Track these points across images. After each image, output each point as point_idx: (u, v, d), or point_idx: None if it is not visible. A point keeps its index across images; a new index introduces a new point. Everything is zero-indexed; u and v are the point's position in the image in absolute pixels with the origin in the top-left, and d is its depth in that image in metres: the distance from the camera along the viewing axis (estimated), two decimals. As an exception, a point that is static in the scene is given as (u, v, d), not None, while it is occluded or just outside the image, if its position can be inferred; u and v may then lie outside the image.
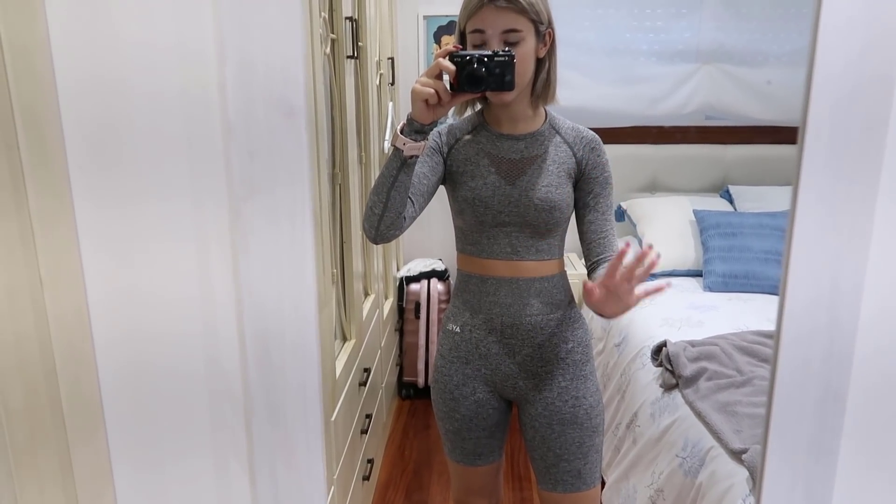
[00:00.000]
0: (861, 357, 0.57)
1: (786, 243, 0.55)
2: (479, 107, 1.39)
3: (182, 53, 0.52)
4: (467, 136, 1.36)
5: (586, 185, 1.35)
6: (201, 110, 0.53)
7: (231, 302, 0.56)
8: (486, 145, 1.34)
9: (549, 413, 1.37)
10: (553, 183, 1.31)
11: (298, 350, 0.57)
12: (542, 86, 1.30)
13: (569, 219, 1.38)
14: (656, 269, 2.77)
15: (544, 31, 1.26)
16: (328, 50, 1.71)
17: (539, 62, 1.28)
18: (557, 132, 1.35)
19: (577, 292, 1.47)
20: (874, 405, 0.59)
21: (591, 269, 1.39)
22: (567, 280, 1.41)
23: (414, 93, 1.15)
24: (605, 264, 1.32)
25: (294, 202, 0.55)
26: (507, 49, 1.16)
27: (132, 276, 0.56)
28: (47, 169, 0.53)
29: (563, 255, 1.40)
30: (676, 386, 1.90)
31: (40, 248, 0.52)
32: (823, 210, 0.54)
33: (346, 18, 1.85)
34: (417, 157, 1.21)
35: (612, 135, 3.03)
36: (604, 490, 2.11)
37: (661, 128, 3.18)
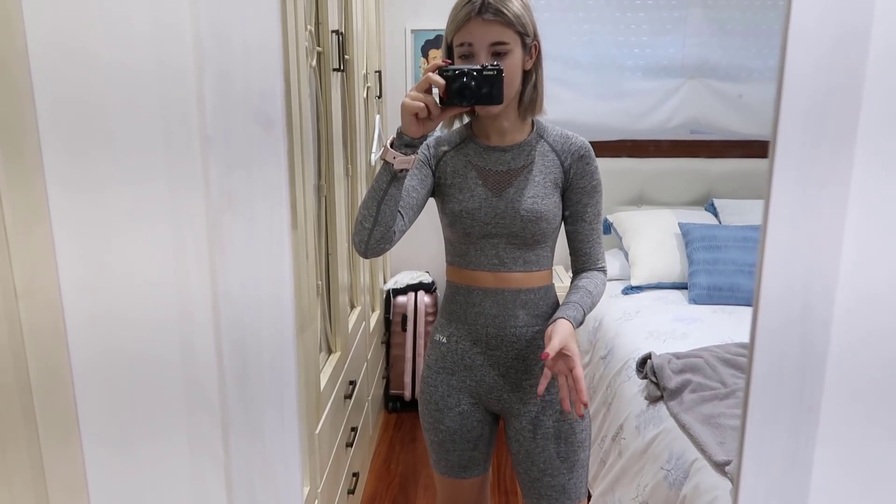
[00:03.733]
0: (833, 367, 0.58)
1: (759, 250, 0.56)
2: (466, 120, 1.40)
3: (160, 65, 0.53)
4: (451, 151, 1.37)
5: (573, 194, 1.36)
6: (179, 123, 0.54)
7: (209, 317, 0.56)
8: (474, 158, 1.35)
9: (533, 427, 1.37)
10: (539, 194, 1.31)
11: (276, 362, 0.57)
12: (530, 97, 1.31)
13: (557, 229, 1.38)
14: (643, 283, 2.80)
15: (530, 44, 1.27)
16: (314, 63, 1.71)
17: (526, 74, 1.29)
18: (545, 141, 1.35)
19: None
20: (848, 414, 0.60)
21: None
22: (554, 293, 1.41)
23: (403, 107, 1.16)
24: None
25: (272, 214, 0.55)
26: (495, 63, 1.18)
27: (106, 287, 0.56)
28: (20, 157, 0.53)
29: (551, 266, 1.40)
30: (661, 398, 1.90)
31: (11, 237, 0.52)
32: (795, 216, 0.55)
33: (333, 31, 1.86)
34: (407, 170, 1.21)
35: (598, 148, 3.01)
36: (590, 503, 2.11)
37: (646, 142, 3.21)
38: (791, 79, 0.52)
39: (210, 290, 0.55)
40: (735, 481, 0.62)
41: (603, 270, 1.40)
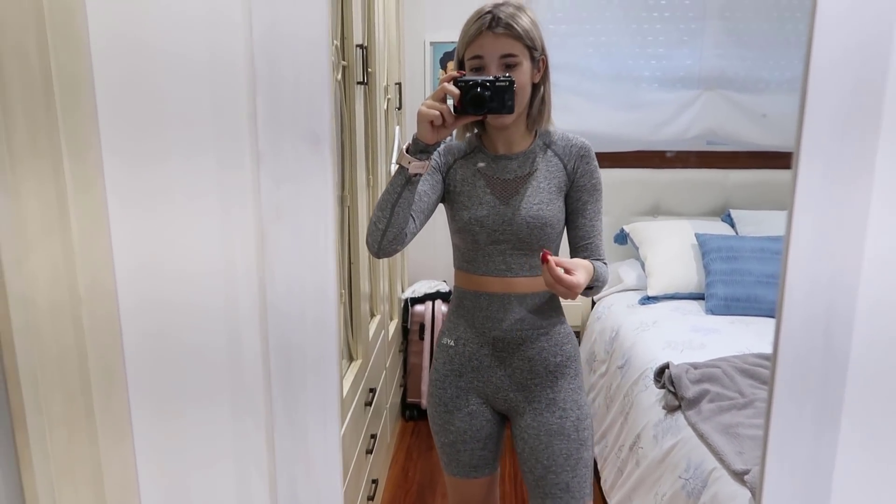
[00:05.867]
0: (855, 374, 0.60)
1: (783, 258, 0.58)
2: (477, 131, 1.44)
3: (213, 79, 0.56)
4: (461, 159, 1.42)
5: (575, 192, 1.41)
6: (232, 138, 0.57)
7: (257, 327, 0.59)
8: (483, 167, 1.39)
9: (537, 424, 1.41)
10: (544, 200, 1.37)
11: (319, 367, 0.60)
12: (538, 110, 1.37)
13: (561, 234, 1.43)
14: (660, 293, 2.81)
15: (539, 58, 1.33)
16: (339, 76, 1.75)
17: (534, 88, 1.35)
18: (549, 146, 1.41)
19: (567, 310, 1.51)
20: (869, 422, 0.61)
21: None
22: (558, 296, 1.44)
23: (420, 114, 1.22)
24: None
25: (317, 226, 0.58)
26: (507, 74, 1.23)
27: (161, 294, 0.60)
28: (85, 171, 0.56)
29: None
30: (679, 408, 1.91)
31: (73, 218, 0.55)
32: (818, 221, 0.57)
33: (357, 46, 1.90)
34: (421, 175, 1.27)
35: (616, 159, 3.07)
36: (607, 512, 2.11)
37: (663, 153, 3.22)
38: (816, 81, 0.54)
39: (259, 299, 0.58)
40: (758, 488, 0.63)
41: (604, 263, 1.42)
